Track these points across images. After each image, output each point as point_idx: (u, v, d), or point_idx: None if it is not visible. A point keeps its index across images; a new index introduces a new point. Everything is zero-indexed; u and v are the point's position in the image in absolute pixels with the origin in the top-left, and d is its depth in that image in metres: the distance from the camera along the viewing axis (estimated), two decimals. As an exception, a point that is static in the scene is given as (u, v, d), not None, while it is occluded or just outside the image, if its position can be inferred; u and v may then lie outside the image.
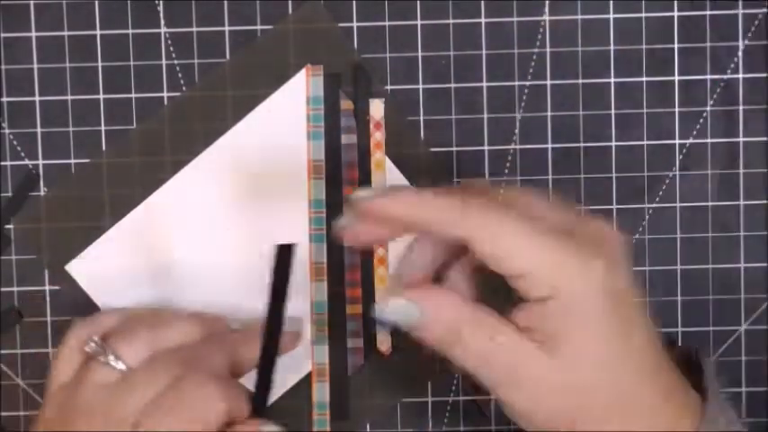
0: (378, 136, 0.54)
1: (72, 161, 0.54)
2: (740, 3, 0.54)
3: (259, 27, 0.54)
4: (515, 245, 0.42)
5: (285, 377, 0.54)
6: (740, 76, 0.54)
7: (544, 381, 0.43)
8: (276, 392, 0.54)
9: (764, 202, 0.54)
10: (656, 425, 0.44)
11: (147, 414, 0.45)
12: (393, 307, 0.44)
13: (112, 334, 0.48)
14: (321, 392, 0.54)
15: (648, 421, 0.44)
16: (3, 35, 0.53)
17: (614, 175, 0.54)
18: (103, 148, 0.54)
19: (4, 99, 0.54)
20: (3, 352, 0.54)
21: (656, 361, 0.44)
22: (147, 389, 0.46)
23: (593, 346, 0.43)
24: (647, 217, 0.54)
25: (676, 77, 0.54)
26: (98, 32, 0.54)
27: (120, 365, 0.47)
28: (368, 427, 0.55)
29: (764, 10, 0.54)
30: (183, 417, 0.45)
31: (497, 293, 0.44)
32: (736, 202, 0.54)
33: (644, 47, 0.54)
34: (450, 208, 0.42)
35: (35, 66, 0.54)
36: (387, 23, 0.54)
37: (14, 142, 0.54)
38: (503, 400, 0.44)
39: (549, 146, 0.54)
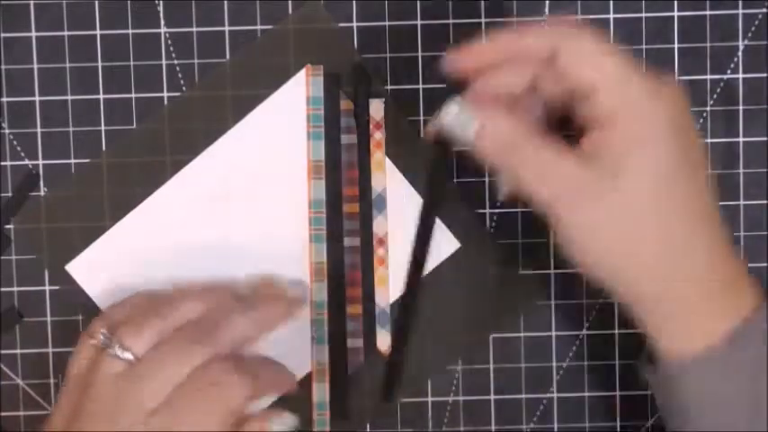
0: (378, 136, 0.54)
1: (72, 161, 0.54)
2: (740, 3, 0.54)
3: (259, 27, 0.54)
4: (592, 55, 0.44)
5: (285, 377, 0.54)
6: (740, 76, 0.54)
7: (603, 202, 0.43)
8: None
9: (764, 202, 0.54)
10: (709, 282, 0.44)
11: (166, 402, 0.46)
12: (451, 114, 0.45)
13: (120, 325, 0.48)
14: (321, 392, 0.54)
15: (701, 272, 0.44)
16: (3, 35, 0.53)
17: (614, 175, 0.54)
18: (103, 148, 0.54)
19: (4, 99, 0.54)
20: (3, 352, 0.54)
21: (713, 215, 0.45)
22: (157, 376, 0.46)
23: (654, 170, 0.43)
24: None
25: (676, 77, 0.54)
26: (98, 32, 0.54)
27: (128, 356, 0.47)
28: (368, 427, 0.55)
29: (764, 10, 0.54)
30: (204, 407, 0.46)
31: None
32: (737, 202, 0.54)
33: (644, 47, 0.54)
34: (540, 27, 0.45)
35: (35, 66, 0.54)
36: (387, 23, 0.54)
37: (14, 142, 0.54)
38: (560, 221, 0.44)
39: (549, 146, 0.54)
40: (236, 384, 0.46)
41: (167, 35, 0.54)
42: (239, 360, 0.47)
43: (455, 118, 0.45)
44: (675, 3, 0.54)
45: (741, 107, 0.54)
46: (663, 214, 0.44)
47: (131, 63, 0.54)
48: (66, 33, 0.54)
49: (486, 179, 0.54)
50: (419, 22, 0.54)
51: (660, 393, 0.47)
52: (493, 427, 0.55)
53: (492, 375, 0.55)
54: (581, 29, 0.45)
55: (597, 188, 0.44)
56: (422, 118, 0.54)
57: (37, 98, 0.54)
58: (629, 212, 0.44)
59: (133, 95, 0.54)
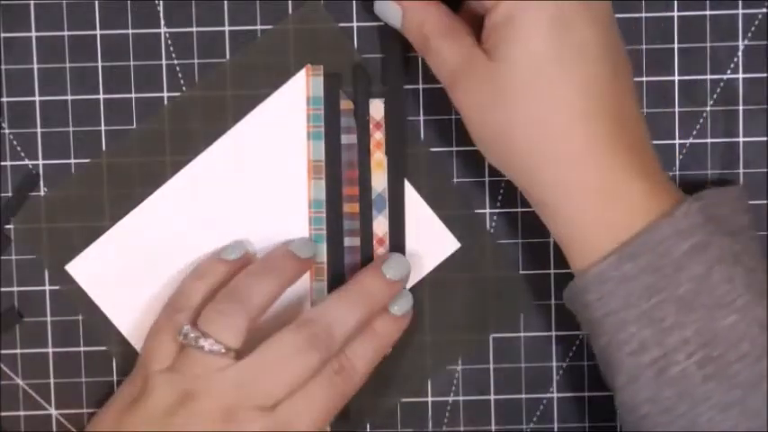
0: (378, 136, 0.54)
1: (72, 161, 0.54)
2: (740, 3, 0.54)
3: (259, 27, 0.54)
4: None
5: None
6: (740, 76, 0.54)
7: (486, 85, 0.46)
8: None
9: (764, 201, 0.54)
10: (602, 190, 0.45)
11: (289, 395, 0.48)
12: (379, 7, 0.50)
13: (202, 317, 0.49)
14: (321, 392, 0.54)
15: (593, 177, 0.45)
16: (3, 35, 0.53)
17: (614, 175, 0.54)
18: (103, 148, 0.54)
19: (4, 99, 0.54)
20: (3, 352, 0.54)
21: (622, 120, 0.46)
22: (279, 369, 0.48)
23: (527, 60, 0.45)
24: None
25: (676, 77, 0.54)
26: (98, 32, 0.54)
27: (223, 349, 0.48)
28: (368, 427, 0.55)
29: (764, 10, 0.54)
30: (327, 403, 0.49)
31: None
32: (736, 202, 0.54)
33: (644, 47, 0.54)
34: None
35: (35, 66, 0.54)
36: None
37: (14, 142, 0.54)
38: (456, 101, 0.47)
39: (549, 146, 0.54)
40: (357, 370, 0.50)
41: (167, 35, 0.54)
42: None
43: (381, 7, 0.50)
44: (675, 3, 0.54)
45: (741, 107, 0.54)
46: (537, 105, 0.45)
47: (131, 63, 0.54)
48: (65, 33, 0.53)
49: (487, 179, 0.54)
50: (419, 22, 0.54)
51: (573, 309, 0.48)
52: (493, 427, 0.55)
53: (492, 375, 0.55)
54: None
55: (483, 70, 0.46)
56: (422, 118, 0.54)
57: (37, 98, 0.54)
58: (507, 98, 0.45)
59: (133, 95, 0.54)
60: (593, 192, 0.45)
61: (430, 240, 0.54)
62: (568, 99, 0.45)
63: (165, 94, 0.54)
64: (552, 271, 0.54)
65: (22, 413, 0.55)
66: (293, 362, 0.48)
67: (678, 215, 0.45)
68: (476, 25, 0.48)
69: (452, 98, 0.48)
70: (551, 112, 0.45)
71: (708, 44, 0.54)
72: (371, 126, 0.54)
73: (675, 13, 0.54)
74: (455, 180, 0.54)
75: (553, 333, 0.55)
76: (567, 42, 0.45)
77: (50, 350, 0.54)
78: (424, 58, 0.49)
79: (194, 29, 0.54)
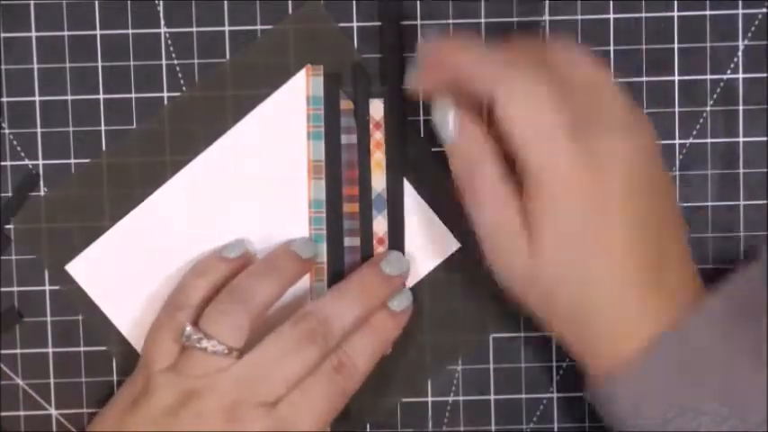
0: (378, 136, 0.54)
1: (72, 161, 0.54)
2: (740, 3, 0.54)
3: (259, 27, 0.54)
4: (521, 110, 0.44)
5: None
6: (740, 76, 0.54)
7: (517, 252, 0.46)
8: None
9: (764, 202, 0.54)
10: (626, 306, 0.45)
11: (291, 391, 0.48)
12: (437, 105, 0.47)
13: (201, 319, 0.49)
14: (321, 392, 0.54)
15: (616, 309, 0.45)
16: (3, 35, 0.53)
17: (614, 175, 0.54)
18: (103, 148, 0.54)
19: (4, 99, 0.54)
20: (3, 352, 0.54)
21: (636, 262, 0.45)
22: (279, 364, 0.48)
23: (562, 236, 0.45)
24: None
25: (676, 77, 0.54)
26: (98, 32, 0.54)
27: (222, 348, 0.48)
28: (368, 427, 0.55)
29: (764, 10, 0.54)
30: (328, 400, 0.49)
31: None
32: (736, 202, 0.54)
33: (644, 47, 0.54)
34: (487, 63, 0.45)
35: (35, 66, 0.54)
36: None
37: (14, 142, 0.54)
38: (493, 267, 0.47)
39: (549, 146, 0.54)
40: (356, 369, 0.50)
41: (167, 35, 0.54)
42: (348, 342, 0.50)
43: (440, 114, 0.47)
44: (675, 3, 0.54)
45: (741, 107, 0.54)
46: (572, 278, 0.45)
47: (131, 63, 0.54)
48: (65, 33, 0.53)
49: (486, 179, 0.54)
50: (419, 23, 0.54)
51: (599, 410, 0.48)
52: (493, 427, 0.55)
53: (492, 375, 0.55)
54: (516, 69, 0.44)
55: (522, 244, 0.45)
56: (422, 118, 0.54)
57: (37, 98, 0.54)
58: (541, 276, 0.46)
59: (133, 95, 0.54)
60: (630, 309, 0.45)
61: (430, 240, 0.54)
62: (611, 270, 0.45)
63: (165, 94, 0.54)
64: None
65: (22, 413, 0.55)
66: (293, 356, 0.48)
67: (705, 313, 0.45)
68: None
69: (492, 265, 0.47)
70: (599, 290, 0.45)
71: (708, 44, 0.54)
72: (371, 126, 0.54)
73: (675, 13, 0.54)
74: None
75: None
76: (600, 202, 0.45)
77: (50, 350, 0.54)
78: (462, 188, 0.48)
79: (194, 29, 0.54)
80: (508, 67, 0.45)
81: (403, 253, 0.54)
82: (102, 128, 0.54)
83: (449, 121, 0.47)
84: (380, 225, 0.54)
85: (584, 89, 0.45)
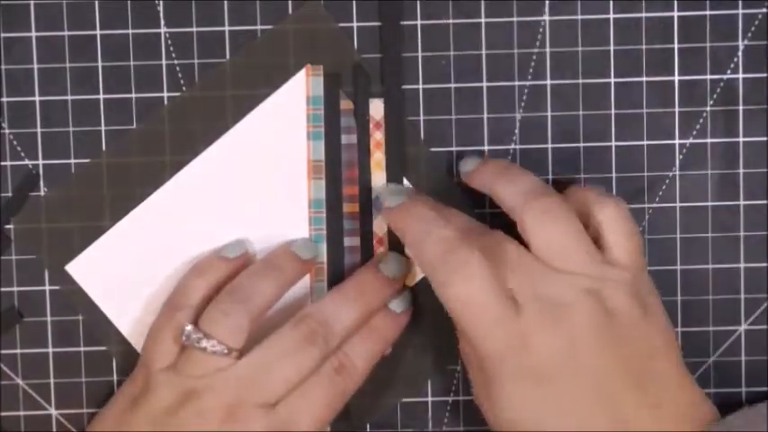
0: (378, 136, 0.54)
1: (72, 161, 0.54)
2: (740, 3, 0.54)
3: (259, 27, 0.54)
4: (516, 257, 0.47)
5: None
6: (740, 76, 0.54)
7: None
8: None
9: (764, 202, 0.54)
10: None
11: (291, 392, 0.48)
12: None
13: (201, 319, 0.49)
14: (321, 392, 0.54)
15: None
16: (3, 35, 0.53)
17: (614, 175, 0.54)
18: (103, 148, 0.54)
19: (4, 99, 0.54)
20: (3, 352, 0.54)
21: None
22: (280, 365, 0.48)
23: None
24: (646, 217, 0.54)
25: (676, 77, 0.54)
26: (98, 32, 0.54)
27: (222, 348, 0.48)
28: (368, 427, 0.55)
29: (764, 10, 0.54)
30: (328, 401, 0.49)
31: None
32: (736, 202, 0.54)
33: (644, 47, 0.54)
34: (518, 198, 0.48)
35: (35, 66, 0.54)
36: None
37: (14, 142, 0.54)
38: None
39: (549, 146, 0.54)
40: (355, 371, 0.50)
41: (167, 35, 0.54)
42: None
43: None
44: (675, 3, 0.54)
45: (741, 107, 0.54)
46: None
47: (131, 63, 0.54)
48: (66, 33, 0.53)
49: (486, 179, 0.54)
50: (419, 22, 0.54)
51: None
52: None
53: (492, 375, 0.55)
54: (541, 200, 0.47)
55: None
56: (422, 118, 0.54)
57: (37, 98, 0.54)
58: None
59: (133, 95, 0.54)
60: None
61: (430, 240, 0.54)
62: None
63: (165, 94, 0.54)
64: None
65: (22, 413, 0.55)
66: (293, 358, 0.48)
67: None
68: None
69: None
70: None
71: (708, 44, 0.54)
72: (371, 126, 0.54)
73: (675, 13, 0.54)
74: (455, 180, 0.54)
75: (553, 333, 0.55)
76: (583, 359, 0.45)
77: (50, 350, 0.54)
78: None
79: (194, 29, 0.54)
80: (531, 195, 0.48)
81: (403, 253, 0.54)
82: (102, 128, 0.54)
83: None
84: (380, 225, 0.54)
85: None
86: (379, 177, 0.54)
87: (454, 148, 0.54)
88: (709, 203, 0.54)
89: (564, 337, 0.45)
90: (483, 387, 0.47)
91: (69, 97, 0.54)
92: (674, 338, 0.47)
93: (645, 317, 0.46)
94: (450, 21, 0.54)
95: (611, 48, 0.54)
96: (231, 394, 0.47)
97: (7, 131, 0.54)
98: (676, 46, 0.54)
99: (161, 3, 0.54)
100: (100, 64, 0.54)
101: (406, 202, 0.50)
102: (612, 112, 0.54)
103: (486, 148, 0.54)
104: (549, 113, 0.54)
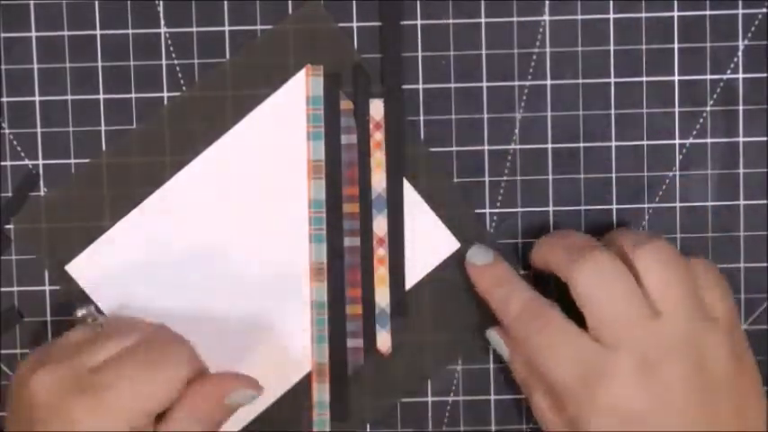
0: (378, 136, 0.54)
1: (72, 161, 0.54)
2: (740, 3, 0.54)
3: (259, 27, 0.54)
4: (588, 292, 0.48)
5: (285, 377, 0.54)
6: (740, 76, 0.54)
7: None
8: (276, 392, 0.54)
9: (764, 202, 0.54)
10: None
11: (109, 363, 0.47)
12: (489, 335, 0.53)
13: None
14: (321, 392, 0.54)
15: None
16: (3, 35, 0.53)
17: (614, 175, 0.54)
18: (103, 148, 0.54)
19: (4, 99, 0.54)
20: (3, 352, 0.54)
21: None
22: (115, 343, 0.48)
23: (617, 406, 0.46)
24: (647, 217, 0.54)
25: (676, 77, 0.54)
26: (98, 32, 0.54)
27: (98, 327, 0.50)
28: (368, 427, 0.55)
29: (764, 10, 0.54)
30: (147, 374, 0.47)
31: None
32: (737, 202, 0.54)
33: (644, 47, 0.54)
34: (565, 255, 0.49)
35: (35, 66, 0.54)
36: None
37: (14, 142, 0.54)
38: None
39: (549, 146, 0.54)
40: (185, 355, 0.48)
41: (167, 35, 0.54)
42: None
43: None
44: (675, 3, 0.54)
45: (741, 107, 0.54)
46: None
47: (131, 63, 0.54)
48: (66, 33, 0.53)
49: (487, 179, 0.54)
50: (419, 22, 0.54)
51: None
52: (493, 427, 0.55)
53: (492, 375, 0.55)
54: (586, 256, 0.48)
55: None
56: (422, 118, 0.54)
57: (37, 98, 0.54)
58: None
59: (133, 95, 0.54)
60: None
61: (430, 240, 0.54)
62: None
63: (165, 94, 0.54)
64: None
65: (22, 413, 0.54)
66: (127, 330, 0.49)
67: None
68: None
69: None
70: None
71: (708, 44, 0.54)
72: (371, 126, 0.54)
73: (675, 13, 0.54)
74: (455, 180, 0.54)
75: (553, 333, 0.55)
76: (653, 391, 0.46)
77: (50, 350, 0.54)
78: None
79: (194, 29, 0.54)
80: (578, 252, 0.49)
81: (403, 253, 0.54)
82: (102, 128, 0.54)
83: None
84: (380, 225, 0.54)
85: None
86: (379, 177, 0.54)
87: (454, 148, 0.54)
88: (709, 203, 0.54)
89: (654, 387, 0.46)
90: (557, 412, 0.49)
91: (69, 97, 0.54)
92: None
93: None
94: (451, 21, 0.54)
95: (611, 48, 0.54)
96: (67, 359, 0.47)
97: (7, 131, 0.54)
98: (676, 46, 0.54)
99: (161, 3, 0.54)
100: (100, 64, 0.54)
101: (491, 263, 0.52)
102: (612, 112, 0.54)
103: (486, 148, 0.54)
104: (548, 113, 0.54)
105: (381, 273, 0.54)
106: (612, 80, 0.54)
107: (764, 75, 0.54)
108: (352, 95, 0.54)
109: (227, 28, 0.54)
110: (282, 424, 0.54)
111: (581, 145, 0.54)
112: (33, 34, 0.53)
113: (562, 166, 0.54)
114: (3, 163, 0.54)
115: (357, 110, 0.54)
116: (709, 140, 0.54)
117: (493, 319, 0.53)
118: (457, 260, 0.54)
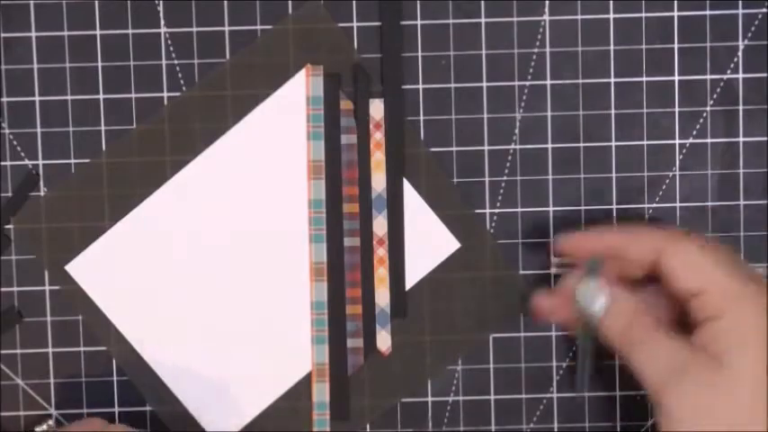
0: (378, 136, 0.54)
1: (72, 161, 0.54)
2: (740, 3, 0.54)
3: (259, 27, 0.54)
4: (696, 263, 0.47)
5: (285, 377, 0.54)
6: (740, 76, 0.54)
7: (708, 389, 0.46)
8: (276, 392, 0.54)
9: (764, 202, 0.54)
10: None
11: None
12: (585, 288, 0.49)
13: None
14: (321, 392, 0.54)
15: None
16: (3, 35, 0.53)
17: (614, 175, 0.54)
18: (103, 148, 0.54)
19: (4, 99, 0.54)
20: (3, 352, 0.54)
21: None
22: None
23: (752, 371, 0.45)
24: (647, 217, 0.54)
25: (676, 77, 0.54)
26: (98, 32, 0.54)
27: None
28: (368, 427, 0.55)
29: (764, 10, 0.54)
30: None
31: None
32: (737, 202, 0.54)
33: (644, 47, 0.54)
34: (646, 232, 0.48)
35: (35, 66, 0.54)
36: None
37: (14, 142, 0.54)
38: (662, 406, 0.46)
39: (549, 146, 0.54)
40: None
41: (167, 35, 0.54)
42: None
43: (587, 291, 0.49)
44: (675, 3, 0.54)
45: (741, 107, 0.54)
46: (758, 415, 0.45)
47: (131, 63, 0.54)
48: (65, 33, 0.54)
49: (487, 179, 0.54)
50: (419, 22, 0.54)
51: None
52: (493, 427, 0.55)
53: (492, 375, 0.55)
54: (679, 236, 0.48)
55: (704, 375, 0.46)
56: (422, 118, 0.54)
57: (37, 98, 0.54)
58: (731, 405, 0.46)
59: (133, 95, 0.54)
60: None
61: (430, 240, 0.54)
62: None
63: (165, 94, 0.54)
64: (552, 271, 0.54)
65: (22, 413, 0.55)
66: None
67: None
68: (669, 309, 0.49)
69: (661, 401, 0.47)
70: None
71: (708, 44, 0.54)
72: (371, 126, 0.54)
73: (675, 13, 0.54)
74: (455, 180, 0.54)
75: (553, 333, 0.55)
76: None
77: (50, 350, 0.54)
78: (626, 359, 0.48)
79: (194, 29, 0.54)
80: (670, 233, 0.48)
81: (403, 253, 0.54)
82: (102, 128, 0.54)
83: (597, 303, 0.49)
84: (380, 225, 0.54)
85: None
86: (379, 177, 0.54)
87: (454, 148, 0.54)
88: (709, 203, 0.54)
89: None
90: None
91: (69, 97, 0.54)
92: None
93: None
94: (451, 21, 0.54)
95: (611, 48, 0.54)
96: None
97: (7, 131, 0.54)
98: (676, 46, 0.54)
99: (161, 3, 0.54)
100: (100, 64, 0.54)
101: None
102: (612, 112, 0.54)
103: (486, 148, 0.54)
104: (548, 113, 0.54)
105: (381, 273, 0.54)
106: (612, 80, 0.54)
107: (764, 75, 0.54)
108: (352, 95, 0.54)
109: (227, 28, 0.54)
110: (282, 424, 0.55)
111: (581, 145, 0.54)
112: (33, 34, 0.53)
113: (562, 166, 0.54)
114: (3, 163, 0.54)
115: (357, 110, 0.54)
116: (709, 140, 0.54)
117: (491, 320, 0.53)
118: (457, 260, 0.54)
